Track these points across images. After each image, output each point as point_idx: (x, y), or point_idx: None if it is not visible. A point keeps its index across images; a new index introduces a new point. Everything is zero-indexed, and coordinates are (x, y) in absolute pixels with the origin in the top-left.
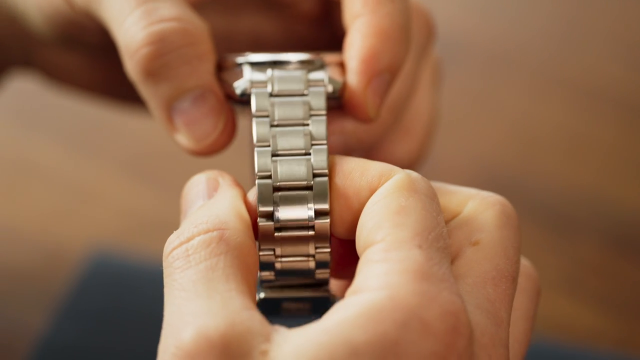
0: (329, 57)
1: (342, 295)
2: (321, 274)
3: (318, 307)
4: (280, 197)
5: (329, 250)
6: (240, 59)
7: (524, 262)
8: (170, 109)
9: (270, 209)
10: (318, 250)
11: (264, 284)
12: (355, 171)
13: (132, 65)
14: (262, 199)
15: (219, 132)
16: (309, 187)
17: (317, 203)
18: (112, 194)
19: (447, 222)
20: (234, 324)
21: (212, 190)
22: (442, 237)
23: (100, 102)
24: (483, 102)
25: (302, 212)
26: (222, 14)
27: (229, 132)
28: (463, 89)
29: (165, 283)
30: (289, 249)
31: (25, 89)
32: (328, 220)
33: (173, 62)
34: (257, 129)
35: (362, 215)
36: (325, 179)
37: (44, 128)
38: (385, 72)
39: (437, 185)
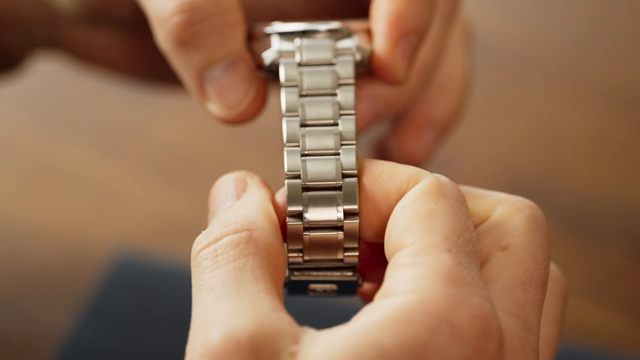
0: (356, 25)
1: (370, 299)
2: (349, 257)
3: (345, 289)
4: (310, 197)
5: (357, 253)
6: (268, 29)
7: (552, 266)
8: (201, 77)
9: (299, 208)
10: (347, 254)
11: (291, 266)
12: (384, 174)
13: (163, 35)
14: (292, 198)
15: (250, 100)
16: (338, 188)
17: (346, 204)
18: (138, 195)
19: (476, 226)
20: (262, 325)
21: (241, 190)
22: (471, 242)
23: (130, 81)
24: (504, 102)
25: (331, 213)
26: None
27: (260, 100)
28: (483, 89)
29: (193, 283)
30: (318, 250)
31: (53, 90)
32: (357, 221)
33: (204, 31)
34: (286, 98)
35: (391, 219)
36: (355, 179)
37: (70, 129)
38: (412, 33)
39: (466, 189)
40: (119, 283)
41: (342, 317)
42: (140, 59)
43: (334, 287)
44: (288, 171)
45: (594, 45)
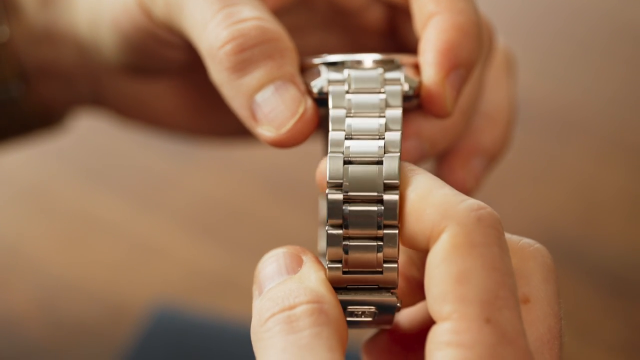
0: (405, 59)
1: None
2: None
3: (383, 311)
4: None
5: (396, 265)
6: (317, 60)
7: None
8: (253, 102)
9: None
10: (386, 265)
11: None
12: (411, 215)
13: (215, 65)
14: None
15: (297, 118)
16: (379, 238)
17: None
18: (176, 250)
19: None
20: None
21: (296, 265)
22: (509, 294)
23: (175, 133)
24: (548, 165)
25: (371, 259)
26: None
27: (309, 122)
28: (530, 152)
29: (260, 346)
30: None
31: (93, 143)
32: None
33: (255, 56)
34: (333, 127)
35: (425, 279)
36: (396, 231)
37: (110, 183)
38: (461, 66)
39: None
40: (156, 338)
41: None
42: (189, 109)
43: (372, 309)
44: (329, 219)
45: (630, 105)
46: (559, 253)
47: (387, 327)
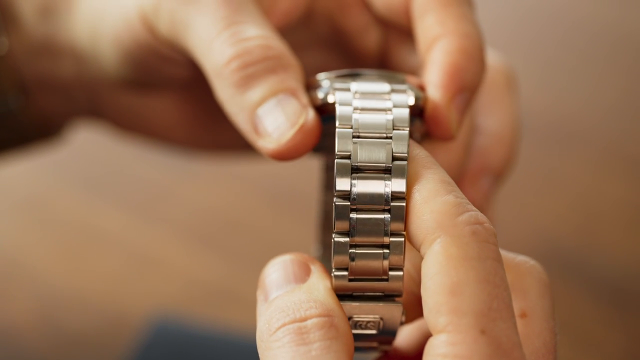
0: (409, 78)
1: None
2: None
3: (387, 323)
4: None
5: (402, 273)
6: (322, 76)
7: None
8: (254, 116)
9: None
10: (392, 273)
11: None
12: (412, 215)
13: (220, 82)
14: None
15: (297, 129)
16: (385, 246)
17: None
18: (176, 261)
19: None
20: None
21: (303, 274)
22: (503, 305)
23: (174, 146)
24: (548, 175)
25: (377, 266)
26: None
27: (309, 132)
28: (530, 162)
29: (268, 355)
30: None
31: (92, 156)
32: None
33: (259, 72)
34: (339, 139)
35: (422, 290)
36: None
37: (109, 195)
38: (467, 89)
39: None
40: (156, 349)
41: None
42: (189, 122)
43: (377, 318)
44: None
45: (630, 116)
46: (559, 263)
47: (388, 347)
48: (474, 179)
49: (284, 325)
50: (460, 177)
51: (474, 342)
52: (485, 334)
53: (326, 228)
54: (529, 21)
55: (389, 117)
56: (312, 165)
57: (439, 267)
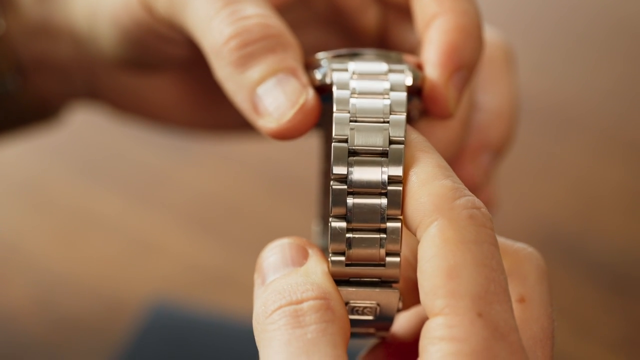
0: (407, 57)
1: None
2: (391, 264)
3: (384, 309)
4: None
5: (399, 259)
6: (321, 55)
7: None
8: (254, 95)
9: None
10: (389, 259)
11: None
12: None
13: (219, 61)
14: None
15: (298, 108)
16: (382, 230)
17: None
18: (172, 246)
19: None
20: None
21: (301, 257)
22: (500, 289)
23: (173, 127)
24: (547, 161)
25: (374, 252)
26: None
27: (309, 111)
28: (528, 148)
29: (264, 337)
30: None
31: (89, 139)
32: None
33: (258, 51)
34: (336, 120)
35: (418, 273)
36: (399, 224)
37: (107, 179)
38: (464, 68)
39: None
40: (153, 333)
41: None
42: (188, 103)
43: (374, 304)
44: (332, 213)
45: (628, 100)
46: (558, 249)
47: (385, 333)
48: (474, 155)
49: (280, 307)
50: (459, 153)
51: (471, 324)
52: (482, 316)
53: (326, 200)
54: (525, 5)
55: (386, 101)
56: (311, 151)
57: (436, 249)
